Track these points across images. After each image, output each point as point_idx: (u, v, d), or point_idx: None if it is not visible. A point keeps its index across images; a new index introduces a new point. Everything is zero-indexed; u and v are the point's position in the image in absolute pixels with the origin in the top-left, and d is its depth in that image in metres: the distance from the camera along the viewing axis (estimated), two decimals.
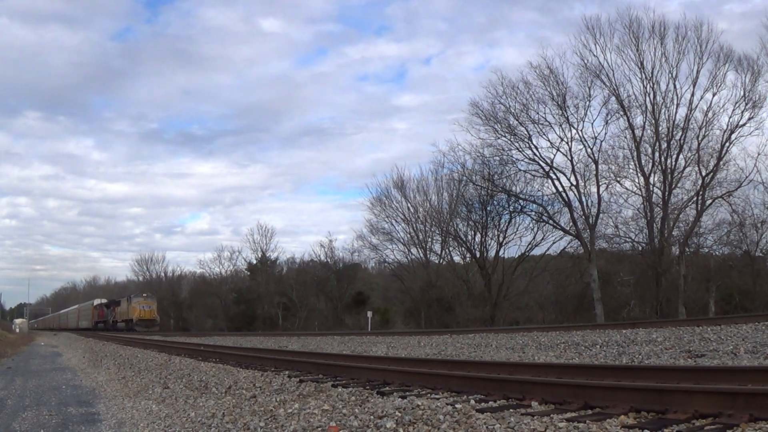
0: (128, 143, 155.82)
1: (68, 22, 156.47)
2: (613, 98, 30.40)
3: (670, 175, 29.71)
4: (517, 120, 32.16)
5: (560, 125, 31.39)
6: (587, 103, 30.97)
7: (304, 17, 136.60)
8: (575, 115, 31.12)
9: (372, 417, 5.55)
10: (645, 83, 29.97)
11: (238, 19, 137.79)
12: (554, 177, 31.88)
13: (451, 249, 40.29)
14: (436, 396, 6.63)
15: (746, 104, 28.43)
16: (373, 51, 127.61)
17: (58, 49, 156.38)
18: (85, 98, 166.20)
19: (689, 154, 29.59)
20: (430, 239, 41.90)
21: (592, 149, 30.90)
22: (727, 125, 28.82)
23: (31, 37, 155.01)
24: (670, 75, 29.59)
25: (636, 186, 30.85)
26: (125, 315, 51.98)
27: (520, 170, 33.00)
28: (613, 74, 30.14)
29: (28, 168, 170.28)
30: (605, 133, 30.92)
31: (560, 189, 31.86)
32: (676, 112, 29.75)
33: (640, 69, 29.90)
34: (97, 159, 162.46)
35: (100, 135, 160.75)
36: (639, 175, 30.45)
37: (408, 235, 42.39)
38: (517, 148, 32.56)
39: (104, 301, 66.31)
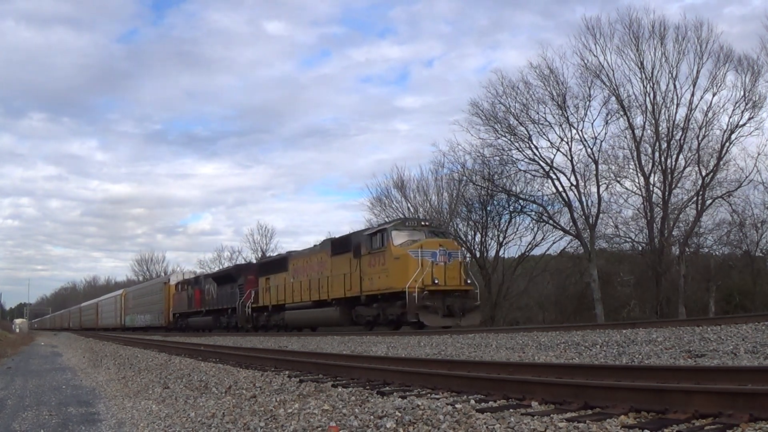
0: (132, 144, 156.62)
1: (74, 25, 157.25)
2: (613, 98, 30.49)
3: (670, 175, 29.74)
4: (517, 120, 32.24)
5: (560, 125, 31.48)
6: (587, 103, 31.07)
7: (308, 20, 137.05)
8: (575, 115, 31.21)
9: (372, 417, 5.54)
10: (645, 83, 30.05)
11: (243, 21, 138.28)
12: (554, 177, 31.96)
13: None
14: (436, 396, 6.62)
15: (746, 104, 28.53)
16: (376, 53, 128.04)
17: (63, 51, 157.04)
18: (89, 100, 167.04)
19: (689, 154, 29.68)
20: None
21: (592, 149, 30.99)
22: (727, 125, 28.93)
23: (37, 39, 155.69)
24: (670, 75, 29.70)
25: (636, 186, 30.93)
26: (364, 283, 22.42)
27: (520, 170, 33.08)
28: (613, 74, 30.24)
29: (32, 169, 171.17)
30: (605, 133, 31.03)
31: (560, 189, 31.93)
32: (676, 112, 29.83)
33: (640, 69, 29.98)
34: (100, 160, 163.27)
35: (104, 136, 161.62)
36: (639, 175, 30.53)
37: None
38: (517, 148, 32.66)
39: (196, 274, 38.29)
